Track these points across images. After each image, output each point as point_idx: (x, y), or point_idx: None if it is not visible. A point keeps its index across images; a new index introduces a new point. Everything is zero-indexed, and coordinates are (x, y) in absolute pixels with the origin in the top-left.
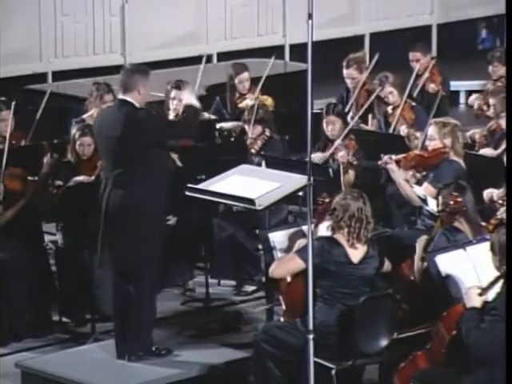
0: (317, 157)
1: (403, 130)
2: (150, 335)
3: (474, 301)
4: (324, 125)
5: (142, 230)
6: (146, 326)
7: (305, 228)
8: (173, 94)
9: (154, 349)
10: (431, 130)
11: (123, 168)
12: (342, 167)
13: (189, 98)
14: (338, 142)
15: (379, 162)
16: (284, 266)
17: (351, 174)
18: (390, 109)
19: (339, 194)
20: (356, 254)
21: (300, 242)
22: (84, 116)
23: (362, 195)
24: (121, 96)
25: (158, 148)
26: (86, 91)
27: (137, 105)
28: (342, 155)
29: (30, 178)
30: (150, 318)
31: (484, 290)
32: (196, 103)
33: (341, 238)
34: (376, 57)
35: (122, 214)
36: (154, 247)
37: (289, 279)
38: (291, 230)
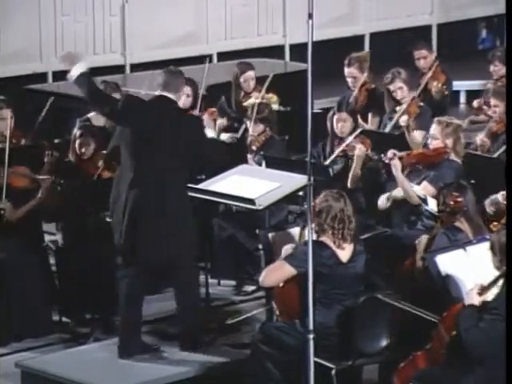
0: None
1: (403, 120)
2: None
3: (474, 299)
4: (334, 121)
5: (167, 229)
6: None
7: (292, 230)
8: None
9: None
10: (434, 129)
11: (152, 165)
12: (356, 162)
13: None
14: (350, 139)
15: (383, 158)
16: (274, 275)
17: (359, 171)
18: (398, 108)
19: (319, 196)
20: (344, 253)
21: (287, 248)
22: (89, 115)
23: (342, 195)
24: (163, 93)
25: (193, 148)
26: None
27: (179, 103)
28: (359, 148)
29: (42, 177)
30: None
31: (484, 290)
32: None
33: (327, 240)
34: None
35: (146, 211)
36: (182, 246)
37: (281, 284)
38: (277, 233)
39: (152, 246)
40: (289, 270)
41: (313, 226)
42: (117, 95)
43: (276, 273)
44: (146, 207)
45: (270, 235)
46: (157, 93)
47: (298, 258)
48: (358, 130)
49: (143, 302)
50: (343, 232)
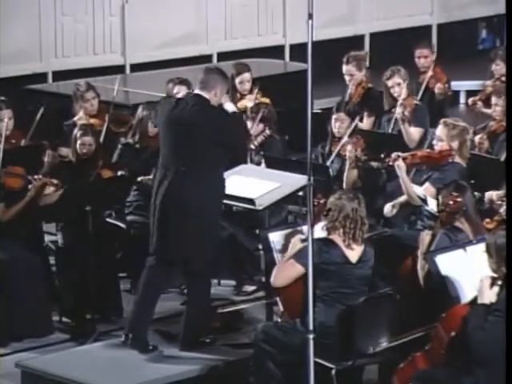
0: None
1: (398, 112)
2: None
3: (486, 294)
4: (332, 121)
5: (196, 226)
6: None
7: (303, 228)
8: (176, 89)
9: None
10: (440, 131)
11: (186, 162)
12: (348, 163)
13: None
14: (345, 138)
15: (387, 160)
16: (284, 274)
17: (355, 171)
18: (394, 109)
19: (334, 194)
20: (353, 254)
21: (295, 246)
22: (74, 119)
23: (357, 196)
24: (197, 91)
25: (225, 147)
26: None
27: (212, 103)
28: (349, 150)
29: (35, 176)
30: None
31: (496, 280)
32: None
33: (337, 238)
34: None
35: (178, 208)
36: (206, 245)
37: None
38: (290, 231)
39: (174, 242)
40: (298, 269)
41: (322, 224)
42: (90, 94)
43: (286, 272)
44: (172, 203)
45: (285, 233)
46: (196, 91)
47: (307, 256)
48: (350, 129)
49: (160, 294)
50: (354, 232)
